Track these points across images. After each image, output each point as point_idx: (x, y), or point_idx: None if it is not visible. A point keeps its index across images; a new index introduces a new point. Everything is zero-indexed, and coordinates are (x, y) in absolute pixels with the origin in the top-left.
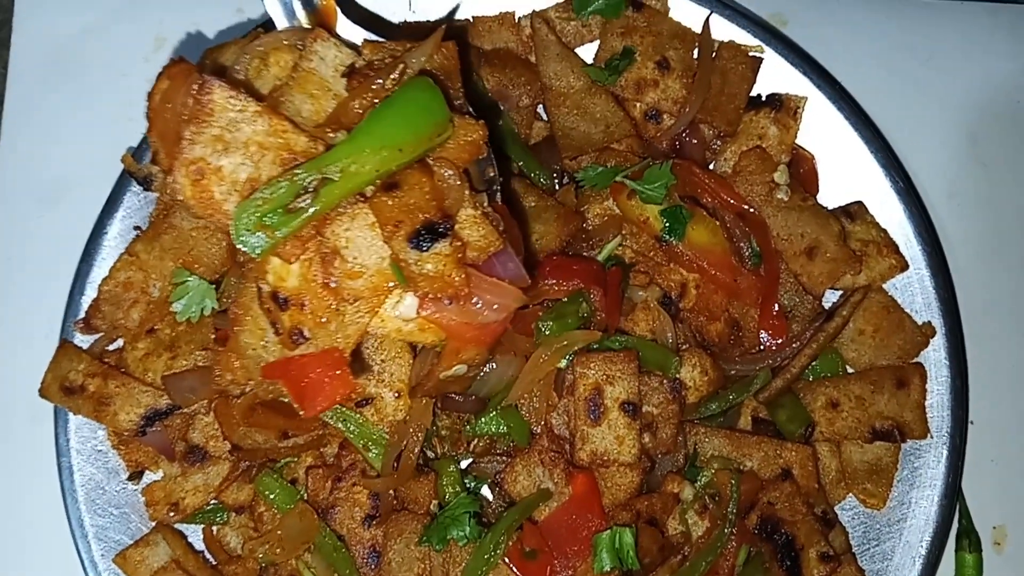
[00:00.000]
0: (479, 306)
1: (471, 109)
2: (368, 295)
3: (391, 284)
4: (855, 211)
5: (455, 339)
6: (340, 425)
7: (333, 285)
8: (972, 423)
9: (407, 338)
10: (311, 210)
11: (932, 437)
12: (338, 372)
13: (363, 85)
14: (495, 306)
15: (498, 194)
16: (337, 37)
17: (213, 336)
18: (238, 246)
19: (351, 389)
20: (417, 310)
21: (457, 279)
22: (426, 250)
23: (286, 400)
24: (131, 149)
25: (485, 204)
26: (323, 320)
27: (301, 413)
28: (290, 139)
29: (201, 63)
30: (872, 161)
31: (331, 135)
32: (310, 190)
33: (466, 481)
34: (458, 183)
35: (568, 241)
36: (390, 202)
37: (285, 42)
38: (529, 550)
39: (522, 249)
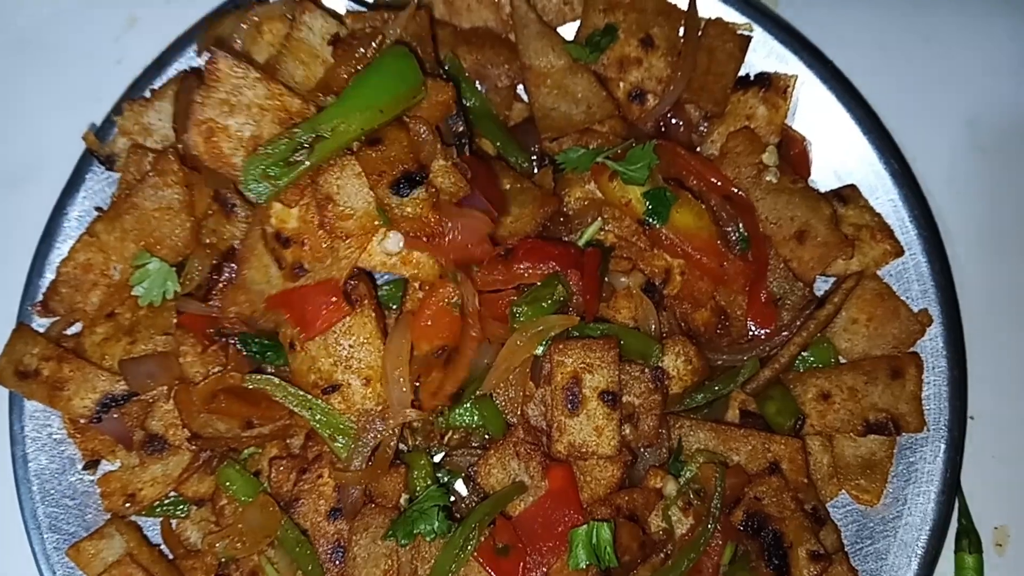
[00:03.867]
0: (453, 234)
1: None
2: (358, 233)
3: (377, 223)
4: (848, 195)
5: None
6: (305, 413)
7: (327, 225)
8: (972, 418)
9: (392, 270)
10: (308, 163)
11: (929, 430)
12: (333, 299)
13: (347, 53)
14: (467, 232)
15: (467, 147)
16: (323, 8)
17: (175, 321)
18: (247, 194)
19: (345, 314)
20: (401, 245)
21: (432, 220)
22: (405, 195)
23: (250, 388)
24: (94, 127)
25: (455, 156)
26: (319, 255)
27: (302, 337)
28: (286, 102)
29: (202, 34)
30: (865, 143)
31: (322, 98)
32: (306, 146)
33: (439, 475)
34: (431, 138)
35: (546, 225)
36: (374, 155)
37: (277, 13)
38: (502, 546)
39: (497, 188)
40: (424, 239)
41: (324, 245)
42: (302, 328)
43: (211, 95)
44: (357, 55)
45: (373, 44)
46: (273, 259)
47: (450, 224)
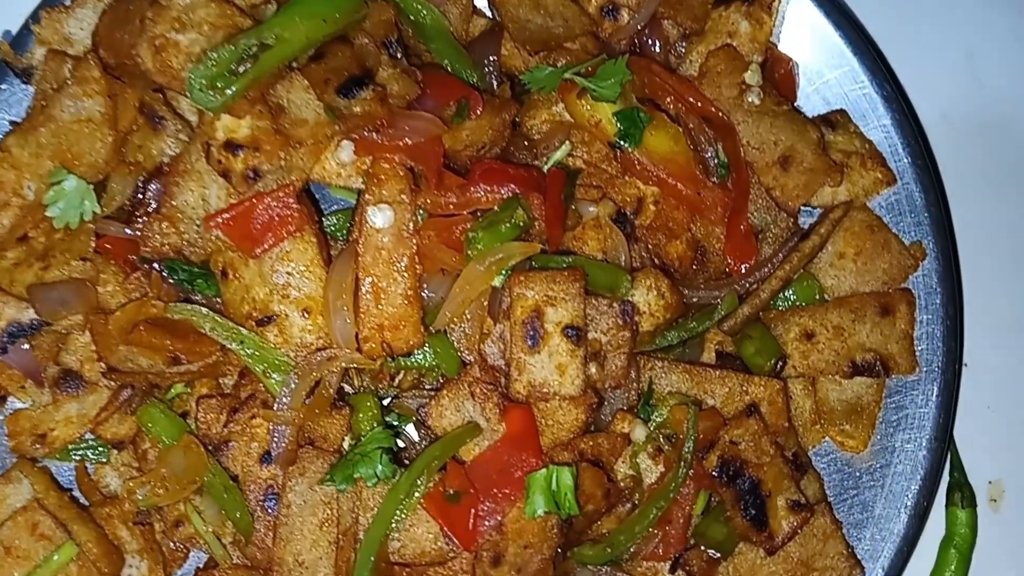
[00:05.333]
0: (403, 136)
1: None
2: (311, 141)
3: (329, 133)
4: (837, 120)
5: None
6: (235, 346)
7: (283, 131)
8: (967, 366)
9: (346, 183)
10: (254, 70)
11: (920, 373)
12: (290, 202)
13: None
14: (417, 133)
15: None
16: None
17: (94, 245)
18: (196, 103)
19: (304, 223)
20: (353, 153)
21: (381, 112)
22: (352, 97)
23: (175, 318)
24: (8, 35)
25: (403, 63)
26: (275, 158)
27: (248, 254)
28: (237, 20)
29: None
30: (856, 65)
31: (265, 7)
32: (251, 55)
33: (388, 419)
34: (374, 50)
35: (508, 151)
36: (318, 68)
37: None
38: (452, 492)
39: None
40: (375, 135)
41: (280, 146)
42: (248, 244)
43: (163, 12)
44: None
45: None
46: (219, 173)
47: (401, 124)
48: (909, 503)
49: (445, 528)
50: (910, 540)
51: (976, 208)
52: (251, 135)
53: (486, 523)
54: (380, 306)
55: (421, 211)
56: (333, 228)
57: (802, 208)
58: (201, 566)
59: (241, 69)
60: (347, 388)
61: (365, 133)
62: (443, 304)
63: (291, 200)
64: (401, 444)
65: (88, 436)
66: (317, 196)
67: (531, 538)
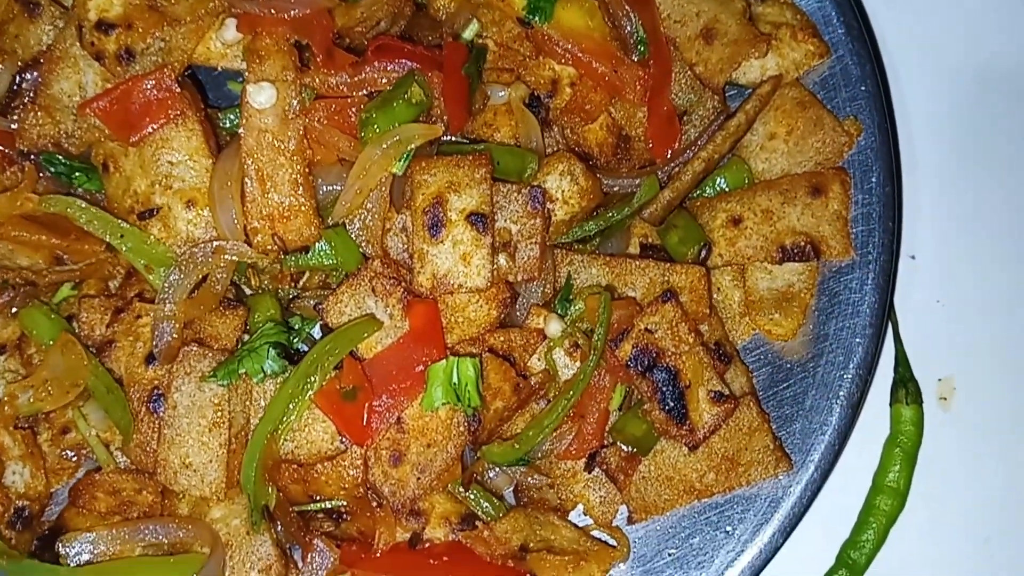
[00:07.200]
0: (287, 4)
1: None
2: (189, 18)
3: (210, 8)
4: None
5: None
6: (115, 241)
7: (158, 7)
8: (913, 258)
9: (232, 64)
10: None
11: (856, 257)
12: (169, 84)
13: None
14: (302, 1)
15: None
16: None
17: None
18: None
19: (187, 108)
20: (236, 30)
21: None
22: None
23: (51, 211)
24: None
25: None
26: (148, 37)
27: (125, 142)
28: None
29: None
30: None
31: None
32: None
33: (291, 322)
34: None
35: (410, 30)
36: None
37: None
38: (349, 389)
39: None
40: (256, 8)
41: (154, 24)
42: (125, 131)
43: None
44: None
45: None
46: (93, 56)
47: None
48: (841, 393)
49: (337, 426)
50: (842, 432)
51: (920, 84)
52: (123, 13)
53: (383, 419)
54: (267, 194)
55: (310, 91)
56: (232, 125)
57: (731, 90)
58: None
59: None
60: (246, 290)
61: (247, 6)
62: (340, 193)
63: (170, 82)
64: (305, 349)
65: None
66: (217, 93)
67: (434, 435)
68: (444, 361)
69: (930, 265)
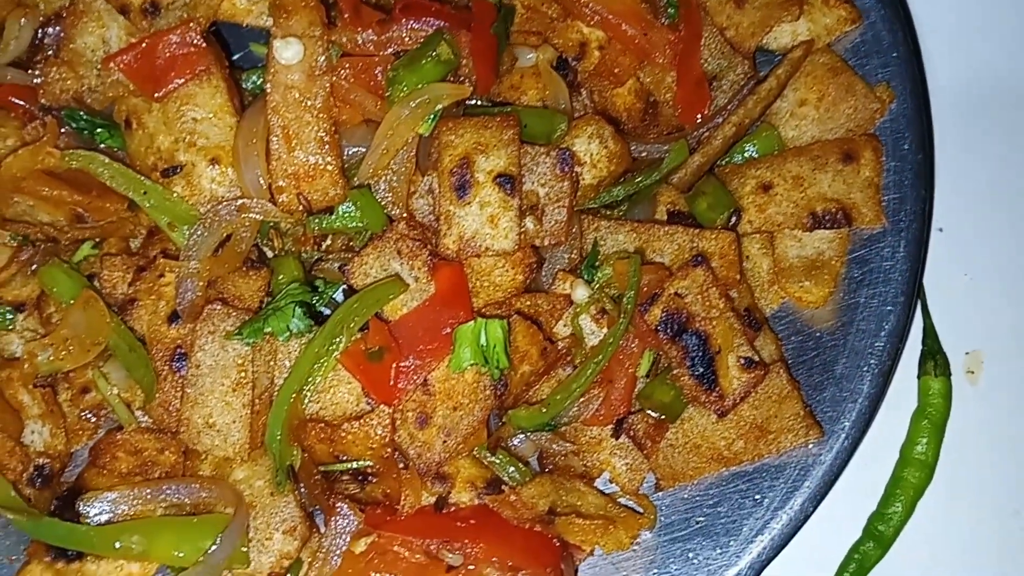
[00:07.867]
0: None
1: None
2: None
3: None
4: None
5: None
6: (138, 198)
7: None
8: (941, 230)
9: (257, 22)
10: None
11: (887, 224)
12: (194, 38)
13: None
14: None
15: None
16: None
17: None
18: None
19: (212, 63)
20: None
21: None
22: None
23: (74, 166)
24: None
25: None
26: None
27: (150, 97)
28: None
29: None
30: None
31: None
32: None
33: (314, 283)
34: None
35: None
36: None
37: None
38: (376, 349)
39: None
40: None
41: None
42: (150, 86)
43: None
44: None
45: None
46: (117, 9)
47: None
48: (873, 361)
49: (364, 385)
50: (873, 400)
51: (953, 53)
52: None
53: (409, 379)
54: (293, 152)
55: (336, 48)
56: (255, 85)
57: (762, 56)
58: None
59: None
60: (269, 253)
61: None
62: (366, 154)
63: (196, 37)
64: (328, 312)
65: None
66: (242, 55)
67: (461, 398)
68: (472, 322)
69: (958, 238)
